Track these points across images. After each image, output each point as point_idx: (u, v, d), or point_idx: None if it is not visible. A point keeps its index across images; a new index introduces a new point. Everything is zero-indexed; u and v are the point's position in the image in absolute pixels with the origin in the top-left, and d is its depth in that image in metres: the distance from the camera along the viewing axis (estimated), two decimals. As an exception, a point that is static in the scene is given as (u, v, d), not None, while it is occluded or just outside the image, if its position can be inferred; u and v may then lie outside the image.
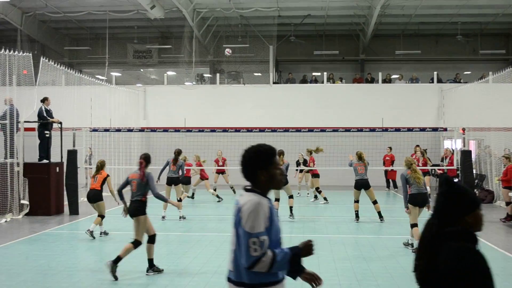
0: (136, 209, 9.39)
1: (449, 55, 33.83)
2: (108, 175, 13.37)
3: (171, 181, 16.09)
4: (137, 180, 9.48)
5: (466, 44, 33.30)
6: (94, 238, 12.67)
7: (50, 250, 11.44)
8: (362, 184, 15.31)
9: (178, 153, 16.37)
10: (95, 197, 13.13)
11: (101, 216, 13.09)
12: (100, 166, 13.28)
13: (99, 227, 13.14)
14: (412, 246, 11.32)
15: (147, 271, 9.32)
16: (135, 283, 8.87)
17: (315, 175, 20.53)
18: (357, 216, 15.59)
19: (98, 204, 13.12)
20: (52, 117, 17.42)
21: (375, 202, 15.40)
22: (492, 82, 21.76)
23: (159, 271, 9.39)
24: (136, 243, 9.23)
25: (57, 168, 17.34)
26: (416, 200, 11.35)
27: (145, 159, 9.55)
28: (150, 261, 9.40)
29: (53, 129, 17.74)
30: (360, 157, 15.50)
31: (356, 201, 15.54)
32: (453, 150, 21.70)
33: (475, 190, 20.27)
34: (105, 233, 13.18)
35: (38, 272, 9.58)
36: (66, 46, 36.16)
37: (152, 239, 9.50)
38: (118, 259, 9.05)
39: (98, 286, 8.63)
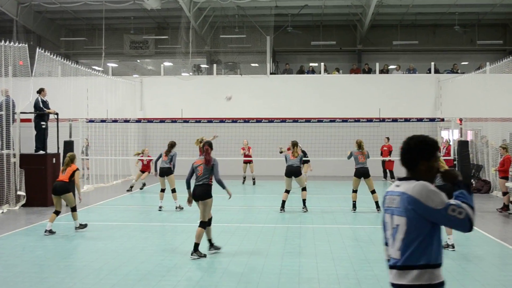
0: (205, 192, 9.90)
1: (446, 45, 33.80)
2: (77, 169, 12.65)
3: (163, 172, 16.00)
4: (203, 165, 9.99)
5: (463, 34, 33.26)
6: (54, 232, 12.17)
7: (46, 241, 11.43)
8: (362, 173, 15.27)
9: (171, 145, 16.21)
10: (61, 188, 12.34)
11: (73, 208, 12.57)
12: (70, 160, 12.58)
13: (76, 222, 12.58)
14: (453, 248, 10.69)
15: (208, 249, 10.13)
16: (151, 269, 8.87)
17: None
18: (354, 206, 15.60)
19: (65, 196, 12.43)
20: (49, 108, 17.36)
21: (373, 192, 15.40)
22: (489, 73, 21.74)
23: (202, 255, 9.82)
24: (203, 224, 9.83)
25: (54, 159, 17.29)
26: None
27: (210, 146, 10.15)
28: (209, 241, 10.24)
29: (50, 120, 17.68)
30: (359, 146, 15.47)
31: (355, 191, 15.51)
32: (449, 141, 21.78)
33: (472, 180, 20.31)
34: (83, 226, 12.67)
35: (35, 263, 9.57)
36: (62, 37, 36.02)
37: (209, 222, 10.09)
38: (196, 245, 9.73)
39: (94, 277, 8.63)
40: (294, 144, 15.52)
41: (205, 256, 9.81)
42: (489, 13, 31.62)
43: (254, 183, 22.53)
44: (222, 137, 20.70)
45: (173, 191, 15.86)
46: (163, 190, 15.96)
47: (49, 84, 18.92)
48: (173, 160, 16.06)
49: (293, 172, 15.34)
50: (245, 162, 22.13)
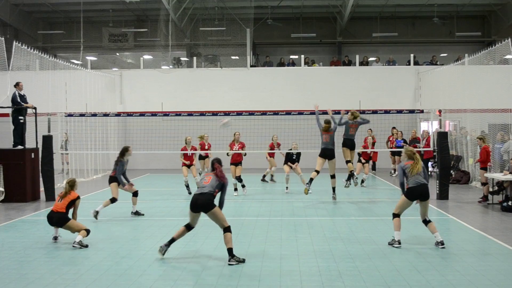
0: (208, 203, 9.26)
1: (425, 37, 34.04)
2: (78, 197, 11.01)
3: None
4: (213, 177, 9.49)
5: (442, 26, 33.53)
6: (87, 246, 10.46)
7: (26, 237, 11.31)
8: (351, 145, 15.49)
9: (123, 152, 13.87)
10: (60, 221, 10.57)
11: (86, 230, 10.62)
12: (70, 187, 10.90)
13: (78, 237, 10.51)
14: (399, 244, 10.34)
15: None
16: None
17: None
18: (351, 177, 15.83)
19: (68, 226, 10.59)
20: (26, 103, 17.16)
21: (333, 176, 15.67)
22: (468, 64, 21.92)
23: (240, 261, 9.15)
24: (228, 229, 9.19)
25: (33, 154, 17.11)
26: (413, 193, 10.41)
27: (219, 162, 9.69)
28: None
29: (28, 114, 17.49)
30: (355, 117, 15.54)
31: (348, 161, 15.66)
32: (428, 132, 21.93)
33: (451, 171, 20.49)
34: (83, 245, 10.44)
35: (14, 260, 9.46)
36: (39, 30, 35.64)
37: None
38: (231, 250, 9.03)
39: (75, 272, 8.55)
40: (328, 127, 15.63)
41: (243, 261, 9.11)
42: (468, 5, 31.89)
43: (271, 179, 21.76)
44: (203, 130, 20.58)
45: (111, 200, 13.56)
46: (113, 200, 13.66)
47: (27, 78, 18.70)
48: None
49: (327, 154, 15.54)
50: (271, 156, 21.15)
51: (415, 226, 12.17)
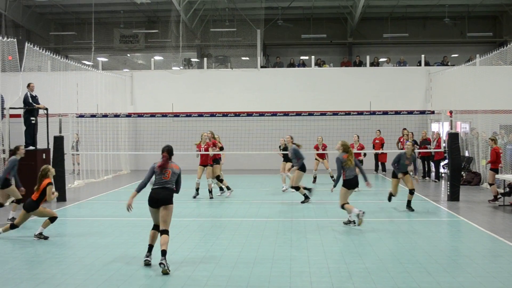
0: None
1: (436, 38, 33.90)
2: (49, 183, 11.37)
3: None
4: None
5: (453, 27, 33.37)
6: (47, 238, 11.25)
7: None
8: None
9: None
10: (29, 207, 11.25)
11: (51, 219, 11.39)
12: (42, 176, 11.36)
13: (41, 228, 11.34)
14: (355, 223, 12.13)
15: None
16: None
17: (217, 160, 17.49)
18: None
19: (36, 212, 11.35)
20: (38, 103, 17.26)
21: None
22: (479, 65, 21.78)
23: None
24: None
25: (44, 155, 17.19)
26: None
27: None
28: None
29: (39, 115, 17.58)
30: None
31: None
32: (439, 133, 21.87)
33: (463, 172, 20.39)
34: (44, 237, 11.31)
35: (25, 260, 9.53)
36: (51, 31, 35.83)
37: None
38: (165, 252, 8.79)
39: (85, 273, 8.60)
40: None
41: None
42: (479, 5, 31.73)
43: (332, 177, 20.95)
44: (214, 131, 20.61)
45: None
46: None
47: (39, 79, 18.80)
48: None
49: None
50: (318, 158, 20.97)
51: (425, 227, 12.14)
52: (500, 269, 8.69)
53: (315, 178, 21.17)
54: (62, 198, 16.73)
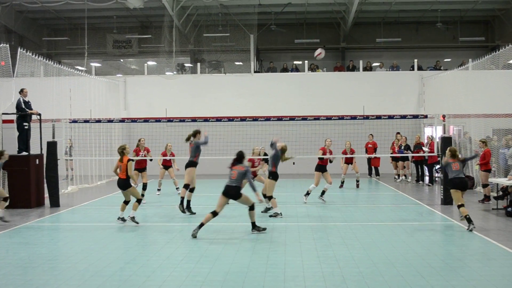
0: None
1: (429, 42, 34.03)
2: (130, 159, 13.37)
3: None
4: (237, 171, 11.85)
5: (446, 31, 33.52)
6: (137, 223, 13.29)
7: (30, 243, 11.33)
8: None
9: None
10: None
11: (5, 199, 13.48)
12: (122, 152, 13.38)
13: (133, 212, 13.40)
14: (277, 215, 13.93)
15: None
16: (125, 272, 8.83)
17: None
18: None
19: (129, 191, 13.45)
20: (31, 109, 17.21)
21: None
22: (471, 69, 21.90)
23: (262, 230, 12.18)
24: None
25: (37, 160, 17.15)
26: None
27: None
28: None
29: (32, 121, 17.54)
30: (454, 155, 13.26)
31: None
32: (431, 137, 21.95)
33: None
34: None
35: (19, 266, 9.49)
36: (44, 36, 35.75)
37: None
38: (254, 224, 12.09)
39: (79, 278, 8.57)
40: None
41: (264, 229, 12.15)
42: (471, 10, 31.90)
43: (357, 186, 21.09)
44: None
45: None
46: None
47: (32, 85, 18.75)
48: None
49: None
50: (346, 162, 21.14)
51: (419, 231, 12.17)
52: (493, 272, 8.72)
53: (342, 182, 21.15)
54: (55, 203, 16.70)
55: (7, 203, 14.15)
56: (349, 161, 21.15)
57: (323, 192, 17.04)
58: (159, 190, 19.40)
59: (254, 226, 12.14)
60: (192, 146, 14.96)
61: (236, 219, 14.18)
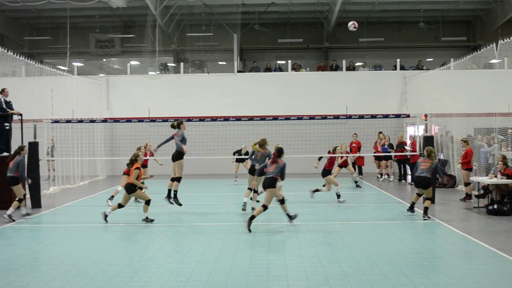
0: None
1: (411, 42, 34.24)
2: (137, 168, 13.54)
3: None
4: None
5: (428, 31, 33.74)
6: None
7: (12, 245, 11.23)
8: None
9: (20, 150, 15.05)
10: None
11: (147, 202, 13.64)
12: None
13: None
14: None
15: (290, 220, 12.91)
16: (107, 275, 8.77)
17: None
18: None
19: (135, 194, 13.66)
20: (12, 109, 17.04)
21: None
22: (453, 69, 22.07)
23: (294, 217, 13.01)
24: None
25: (18, 161, 16.95)
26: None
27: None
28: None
29: (13, 121, 17.36)
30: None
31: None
32: (413, 137, 22.11)
33: (437, 175, 20.59)
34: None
35: (0, 267, 9.39)
36: (25, 36, 35.43)
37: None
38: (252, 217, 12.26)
39: (61, 279, 8.50)
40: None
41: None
42: (453, 10, 32.17)
43: (358, 186, 21.03)
44: (190, 135, 20.54)
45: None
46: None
47: (13, 84, 18.58)
48: (20, 168, 14.76)
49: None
50: (340, 166, 20.34)
51: (401, 229, 12.24)
52: (474, 270, 8.79)
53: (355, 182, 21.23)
54: (37, 204, 16.56)
55: (20, 204, 14.49)
56: (343, 164, 20.32)
57: (317, 190, 17.04)
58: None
59: (290, 217, 12.90)
60: (177, 136, 14.93)
61: (219, 219, 14.17)
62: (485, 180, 15.29)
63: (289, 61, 29.29)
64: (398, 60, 28.68)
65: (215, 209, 16.08)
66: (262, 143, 15.18)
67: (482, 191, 15.78)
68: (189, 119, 19.92)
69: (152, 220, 13.54)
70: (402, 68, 28.80)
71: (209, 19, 32.08)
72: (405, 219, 14.00)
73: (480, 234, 11.80)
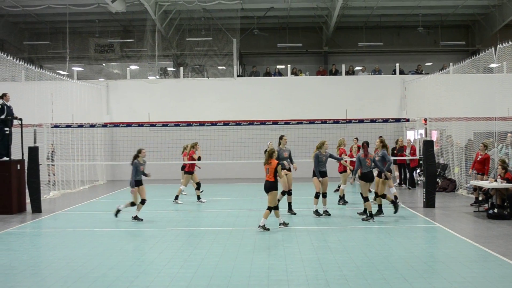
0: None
1: (410, 46, 34.31)
2: (279, 163, 13.29)
3: None
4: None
5: (427, 35, 33.81)
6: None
7: (12, 250, 11.22)
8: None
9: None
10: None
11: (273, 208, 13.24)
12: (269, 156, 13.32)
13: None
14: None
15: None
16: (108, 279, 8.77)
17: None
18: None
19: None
20: (12, 114, 17.04)
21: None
22: (452, 73, 22.10)
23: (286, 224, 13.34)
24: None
25: (18, 166, 16.97)
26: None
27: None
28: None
29: (14, 126, 17.36)
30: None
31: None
32: (411, 141, 22.12)
33: (438, 179, 20.61)
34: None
35: (0, 272, 9.38)
36: (25, 40, 35.46)
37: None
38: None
39: (61, 284, 8.50)
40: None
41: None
42: (452, 15, 32.25)
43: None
44: (190, 141, 20.55)
45: None
46: None
47: (13, 89, 18.59)
48: None
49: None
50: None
51: (402, 233, 12.24)
52: (475, 274, 8.79)
53: (339, 186, 20.97)
54: (37, 209, 16.55)
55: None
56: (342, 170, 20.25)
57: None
58: None
59: (280, 223, 13.40)
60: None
61: (219, 223, 14.17)
62: (485, 184, 15.29)
63: (289, 66, 29.33)
64: (397, 64, 28.72)
65: (215, 213, 16.07)
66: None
67: (483, 195, 15.78)
68: (189, 124, 19.96)
69: (141, 220, 14.30)
70: (401, 72, 28.83)
71: (208, 24, 32.13)
72: (405, 223, 14.00)
73: (480, 238, 11.80)
